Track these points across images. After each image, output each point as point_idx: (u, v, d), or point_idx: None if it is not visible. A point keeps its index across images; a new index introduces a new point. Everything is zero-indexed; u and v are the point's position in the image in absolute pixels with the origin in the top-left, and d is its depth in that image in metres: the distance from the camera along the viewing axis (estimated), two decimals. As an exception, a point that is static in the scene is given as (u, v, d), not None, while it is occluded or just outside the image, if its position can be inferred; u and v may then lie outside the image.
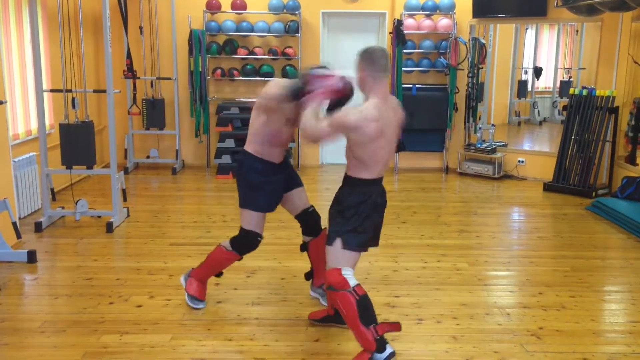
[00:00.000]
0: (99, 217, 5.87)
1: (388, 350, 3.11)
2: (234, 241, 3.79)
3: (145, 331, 3.64)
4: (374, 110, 3.02)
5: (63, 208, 5.89)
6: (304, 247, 4.00)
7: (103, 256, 4.98)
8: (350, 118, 3.00)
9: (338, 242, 3.18)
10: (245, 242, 3.76)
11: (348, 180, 3.26)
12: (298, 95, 3.35)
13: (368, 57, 3.09)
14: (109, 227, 5.55)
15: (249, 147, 3.68)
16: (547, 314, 3.94)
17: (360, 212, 3.18)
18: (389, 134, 3.14)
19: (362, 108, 3.04)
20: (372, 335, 3.08)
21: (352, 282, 3.14)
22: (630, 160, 7.16)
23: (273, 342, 3.52)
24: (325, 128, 3.08)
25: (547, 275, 4.65)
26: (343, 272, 3.15)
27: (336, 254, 3.20)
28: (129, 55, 7.95)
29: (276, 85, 3.51)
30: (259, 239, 3.77)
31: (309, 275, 4.09)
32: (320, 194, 7.58)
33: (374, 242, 3.38)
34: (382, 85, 3.11)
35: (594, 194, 7.02)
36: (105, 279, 4.47)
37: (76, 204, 5.69)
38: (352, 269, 3.22)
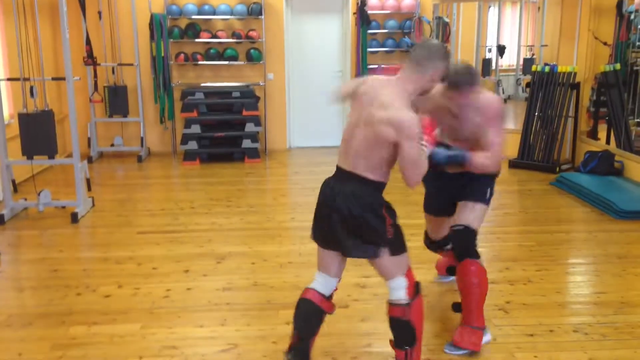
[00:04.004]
0: (63, 207, 5.75)
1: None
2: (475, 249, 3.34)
3: (115, 321, 3.59)
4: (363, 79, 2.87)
5: (25, 199, 5.76)
6: (450, 270, 3.92)
7: (69, 247, 4.89)
8: None
9: None
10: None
11: None
12: None
13: None
14: (74, 218, 5.45)
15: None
16: (514, 288, 4.01)
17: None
18: (357, 110, 2.76)
19: None
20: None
21: (311, 284, 2.92)
22: (592, 135, 7.30)
23: (245, 327, 3.51)
24: None
25: (514, 250, 4.73)
26: (316, 273, 2.96)
27: None
28: (88, 41, 7.77)
29: None
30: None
31: (457, 307, 3.54)
32: (289, 177, 7.57)
33: (321, 242, 2.88)
34: (404, 70, 2.76)
35: (557, 169, 7.15)
36: (71, 270, 4.39)
37: (39, 195, 5.57)
38: (323, 272, 2.90)
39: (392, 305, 2.84)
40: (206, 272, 4.31)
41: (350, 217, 2.70)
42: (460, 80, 3.08)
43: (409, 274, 2.85)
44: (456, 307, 3.48)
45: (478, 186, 3.40)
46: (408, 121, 2.59)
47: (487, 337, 3.32)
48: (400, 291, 2.81)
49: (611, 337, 3.36)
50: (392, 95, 2.67)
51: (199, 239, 5.01)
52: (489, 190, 3.42)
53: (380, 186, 2.78)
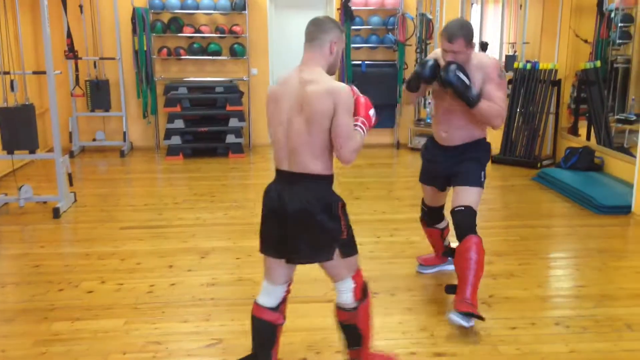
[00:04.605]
0: (44, 202, 5.69)
1: None
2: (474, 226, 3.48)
3: (98, 317, 3.57)
4: (280, 77, 2.73)
5: (6, 195, 5.69)
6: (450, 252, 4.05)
7: (50, 242, 4.85)
8: None
9: None
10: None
11: None
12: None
13: None
14: (56, 213, 5.39)
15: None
16: (496, 282, 4.06)
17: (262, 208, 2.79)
18: (281, 108, 2.61)
19: None
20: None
21: (258, 298, 2.85)
22: (573, 131, 7.39)
23: (229, 322, 3.51)
24: None
25: (497, 245, 4.77)
26: (262, 283, 2.88)
27: None
28: (69, 35, 7.70)
29: None
30: None
31: (450, 289, 3.66)
32: (273, 172, 7.54)
33: (272, 252, 2.77)
34: (304, 55, 2.66)
35: (539, 164, 7.23)
36: (53, 265, 4.35)
37: (20, 190, 5.50)
38: (269, 280, 2.83)
39: (338, 308, 2.79)
40: (190, 268, 4.30)
41: (304, 221, 2.61)
42: (451, 30, 3.30)
43: (357, 275, 2.78)
44: (449, 289, 3.59)
45: (472, 170, 3.54)
46: (344, 91, 2.52)
47: (471, 322, 3.37)
48: (347, 294, 2.75)
49: (592, 330, 3.41)
50: (314, 73, 2.58)
51: (183, 234, 4.99)
52: (482, 174, 3.59)
53: (331, 180, 2.71)
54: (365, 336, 2.82)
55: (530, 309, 3.66)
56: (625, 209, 5.49)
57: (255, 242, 4.77)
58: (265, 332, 2.84)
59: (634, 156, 5.72)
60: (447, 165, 3.64)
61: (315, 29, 2.63)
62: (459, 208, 3.48)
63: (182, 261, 4.40)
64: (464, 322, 3.31)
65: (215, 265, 4.35)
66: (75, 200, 5.87)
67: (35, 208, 5.64)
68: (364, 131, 2.63)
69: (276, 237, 2.72)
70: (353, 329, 2.80)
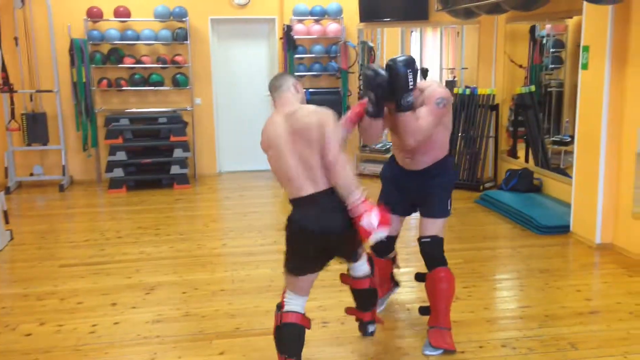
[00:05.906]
0: (-22, 242, 5.45)
1: None
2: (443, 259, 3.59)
3: (36, 361, 3.42)
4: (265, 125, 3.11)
5: (-64, 235, 5.42)
6: (419, 277, 3.79)
7: (-15, 284, 4.63)
8: None
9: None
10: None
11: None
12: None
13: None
14: (-9, 253, 5.17)
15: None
16: (444, 306, 4.09)
17: (287, 236, 3.07)
18: (279, 143, 2.98)
19: None
20: None
21: (287, 307, 3.07)
22: (512, 153, 7.61)
23: (176, 360, 3.42)
24: None
25: (443, 268, 4.83)
26: (286, 295, 3.11)
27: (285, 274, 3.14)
28: (3, 68, 7.47)
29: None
30: None
31: (424, 310, 3.75)
32: (220, 202, 7.48)
33: (317, 268, 3.11)
34: (276, 102, 3.13)
35: (481, 187, 7.40)
36: (-12, 308, 4.15)
37: (-49, 229, 5.25)
38: (298, 293, 3.09)
39: (361, 279, 3.30)
40: (135, 304, 4.18)
41: (348, 229, 2.96)
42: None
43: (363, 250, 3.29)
44: (423, 310, 3.72)
45: (439, 201, 3.57)
46: (328, 112, 3.07)
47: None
48: (365, 266, 3.29)
49: (537, 350, 3.47)
50: (293, 105, 3.11)
51: (127, 269, 4.85)
52: (449, 202, 3.63)
53: None
54: (377, 295, 3.42)
55: (477, 332, 3.71)
56: (564, 229, 5.66)
57: (203, 275, 4.72)
58: (301, 337, 3.10)
59: (570, 177, 5.93)
60: (415, 191, 3.59)
61: (277, 78, 3.18)
62: (426, 239, 3.53)
63: (126, 298, 4.27)
64: (438, 352, 3.47)
65: (160, 301, 4.24)
66: (12, 239, 5.64)
67: (-31, 248, 5.39)
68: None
69: (320, 254, 3.05)
70: (373, 291, 3.35)
